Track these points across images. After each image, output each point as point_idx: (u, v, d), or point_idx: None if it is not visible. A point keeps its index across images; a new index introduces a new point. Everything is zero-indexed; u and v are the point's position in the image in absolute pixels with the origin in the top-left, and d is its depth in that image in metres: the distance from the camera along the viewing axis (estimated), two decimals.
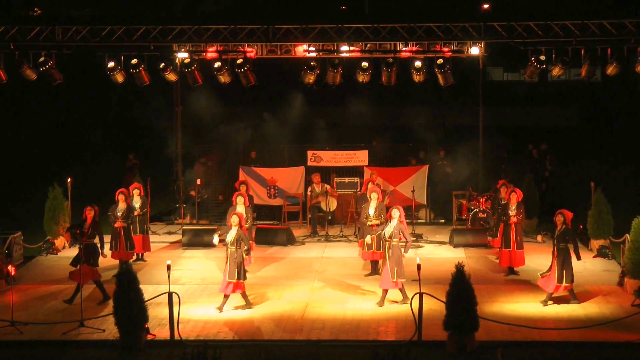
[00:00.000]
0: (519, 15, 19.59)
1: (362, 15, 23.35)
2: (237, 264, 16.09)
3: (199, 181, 24.25)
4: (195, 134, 27.03)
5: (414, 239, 21.88)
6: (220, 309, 16.19)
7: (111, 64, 20.51)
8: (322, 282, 18.34)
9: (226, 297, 16.28)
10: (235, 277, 16.07)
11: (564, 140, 31.88)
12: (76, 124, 34.81)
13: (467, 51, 21.16)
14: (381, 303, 16.57)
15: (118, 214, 18.71)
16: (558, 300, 16.54)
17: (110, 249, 18.70)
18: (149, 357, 14.25)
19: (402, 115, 33.96)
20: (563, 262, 16.30)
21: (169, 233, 23.19)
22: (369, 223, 18.19)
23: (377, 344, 14.35)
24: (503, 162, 26.00)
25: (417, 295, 14.73)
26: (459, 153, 25.07)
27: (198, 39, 20.26)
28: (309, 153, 25.19)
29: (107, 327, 15.16)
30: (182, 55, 21.28)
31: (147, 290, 15.45)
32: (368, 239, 18.20)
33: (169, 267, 15.22)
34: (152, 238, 21.20)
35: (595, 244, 20.41)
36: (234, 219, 16.33)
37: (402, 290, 16.60)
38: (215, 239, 16.54)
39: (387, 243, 16.58)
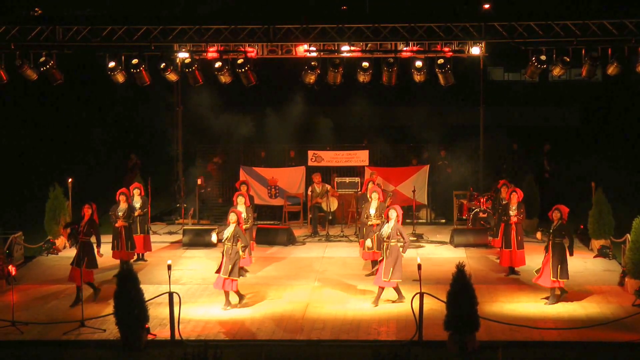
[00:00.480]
0: (519, 15, 19.59)
1: (362, 15, 23.30)
2: (232, 260, 16.12)
3: (199, 181, 24.25)
4: (196, 134, 27.04)
5: (414, 239, 21.91)
6: (225, 307, 16.23)
7: (112, 64, 20.50)
8: (323, 282, 18.34)
9: (226, 293, 16.32)
10: (229, 274, 16.10)
11: (565, 140, 31.89)
12: (77, 124, 34.82)
13: (468, 51, 21.18)
14: (376, 302, 16.57)
15: (119, 213, 18.70)
16: (562, 299, 16.56)
17: (112, 249, 18.71)
18: (149, 357, 14.26)
19: (402, 115, 34.02)
20: (559, 257, 16.33)
21: (170, 233, 23.20)
22: (369, 223, 18.20)
23: (378, 344, 14.35)
24: (504, 162, 25.98)
25: (418, 295, 14.73)
26: (460, 153, 25.07)
27: (199, 38, 20.26)
28: (310, 153, 25.20)
29: (107, 327, 15.15)
30: (183, 55, 21.29)
31: (148, 290, 15.46)
32: (369, 242, 18.23)
33: (169, 267, 15.22)
34: (153, 238, 21.20)
35: (596, 243, 20.40)
36: (231, 217, 16.41)
37: (397, 289, 16.62)
38: (214, 237, 16.58)
39: (385, 243, 16.58)
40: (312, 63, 20.80)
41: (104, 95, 31.03)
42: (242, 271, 17.54)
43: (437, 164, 25.23)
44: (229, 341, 14.74)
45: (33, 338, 14.98)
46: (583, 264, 19.44)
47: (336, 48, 20.99)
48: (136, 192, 19.80)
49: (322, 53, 21.10)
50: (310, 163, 25.04)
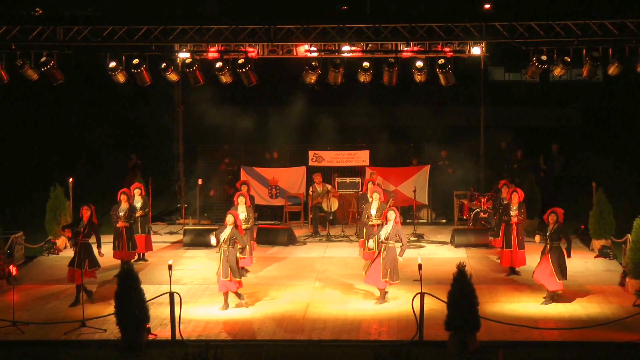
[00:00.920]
0: (520, 15, 19.61)
1: (363, 15, 23.37)
2: (230, 262, 16.13)
3: (200, 181, 24.25)
4: (197, 134, 27.03)
5: (415, 239, 21.92)
6: (223, 308, 16.26)
7: (113, 64, 20.52)
8: (324, 282, 18.34)
9: (225, 295, 16.33)
10: (228, 276, 16.10)
11: (566, 141, 31.87)
12: (77, 123, 34.83)
13: (469, 51, 21.18)
14: (381, 300, 16.61)
15: (120, 214, 18.70)
16: (560, 300, 16.56)
17: (113, 249, 18.71)
18: (150, 357, 14.26)
19: (403, 115, 33.99)
20: (557, 260, 16.36)
21: (171, 233, 23.20)
22: (370, 223, 18.18)
23: (379, 344, 14.35)
24: (505, 162, 25.97)
25: (419, 295, 14.73)
26: (461, 153, 25.07)
27: (199, 38, 20.28)
28: (311, 153, 25.18)
29: (108, 327, 15.16)
30: (184, 55, 21.30)
31: (149, 290, 15.48)
32: (371, 243, 18.22)
33: (170, 267, 15.22)
34: (154, 238, 21.21)
35: (597, 244, 20.39)
36: (229, 218, 16.41)
37: (384, 292, 16.66)
38: (213, 240, 16.54)
39: (382, 244, 16.57)
40: (313, 63, 20.80)
41: (104, 95, 31.03)
42: (243, 271, 17.54)
43: (437, 164, 25.22)
44: (230, 341, 14.75)
45: (34, 338, 14.98)
46: (584, 264, 19.43)
47: (337, 48, 21.00)
48: (137, 192, 19.79)
49: (322, 53, 21.11)
50: (311, 163, 25.02)
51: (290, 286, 18.03)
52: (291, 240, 21.98)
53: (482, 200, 22.69)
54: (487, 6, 31.04)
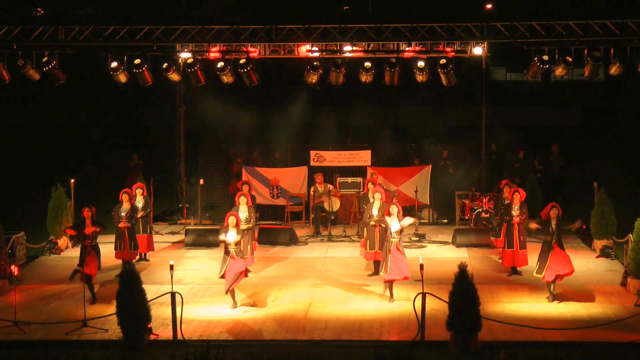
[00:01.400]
0: (522, 15, 19.60)
1: (365, 16, 23.33)
2: (248, 242, 16.60)
3: (201, 181, 24.27)
4: (198, 134, 27.04)
5: (417, 239, 21.93)
6: (233, 306, 16.35)
7: (114, 64, 20.54)
8: (325, 282, 18.34)
9: (232, 293, 16.32)
10: (247, 254, 16.58)
11: (567, 141, 31.85)
12: (79, 123, 34.86)
13: (470, 51, 21.20)
14: (391, 298, 16.65)
15: (122, 214, 18.70)
16: (561, 299, 16.58)
17: (115, 249, 18.73)
18: (151, 357, 14.26)
19: (404, 115, 33.99)
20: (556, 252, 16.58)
21: (172, 233, 23.20)
22: (371, 223, 18.18)
23: (380, 344, 14.35)
24: (506, 161, 25.97)
25: (420, 295, 14.73)
26: (462, 153, 25.05)
27: (201, 39, 20.29)
28: (312, 153, 25.19)
29: (110, 327, 15.16)
30: (185, 55, 21.32)
31: (150, 290, 15.49)
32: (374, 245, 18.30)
33: (172, 267, 15.21)
34: (155, 238, 21.20)
35: (598, 244, 20.39)
36: (231, 220, 16.40)
37: (391, 289, 16.76)
38: (222, 237, 16.49)
39: (392, 241, 16.60)
40: (315, 63, 20.82)
41: (106, 95, 31.06)
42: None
43: (439, 164, 25.23)
44: (231, 341, 14.75)
45: (35, 338, 14.98)
46: (585, 264, 19.43)
47: (338, 48, 21.01)
48: (139, 192, 19.79)
49: (324, 53, 21.12)
50: (312, 163, 25.03)
51: (292, 286, 18.03)
52: (293, 240, 21.98)
53: (484, 200, 22.70)
54: (489, 6, 31.05)
